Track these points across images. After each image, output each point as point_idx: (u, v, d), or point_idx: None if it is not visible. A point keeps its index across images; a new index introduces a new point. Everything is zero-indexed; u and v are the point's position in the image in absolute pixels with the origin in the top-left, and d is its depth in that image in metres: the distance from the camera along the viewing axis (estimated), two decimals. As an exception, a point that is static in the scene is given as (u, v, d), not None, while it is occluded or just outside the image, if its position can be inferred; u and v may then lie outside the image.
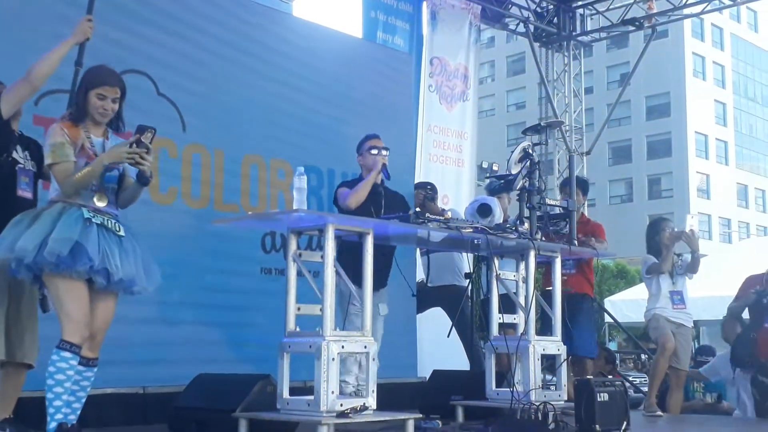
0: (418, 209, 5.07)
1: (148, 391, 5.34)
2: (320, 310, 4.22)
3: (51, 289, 3.60)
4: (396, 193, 5.74)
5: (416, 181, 7.43)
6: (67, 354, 3.50)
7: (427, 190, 6.87)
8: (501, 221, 5.47)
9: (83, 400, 3.71)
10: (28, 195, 4.00)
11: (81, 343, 3.55)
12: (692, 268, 6.48)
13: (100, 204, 3.67)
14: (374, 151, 5.45)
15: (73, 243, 3.49)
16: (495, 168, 5.51)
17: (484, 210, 5.26)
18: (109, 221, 3.67)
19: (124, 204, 3.83)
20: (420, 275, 7.05)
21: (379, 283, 5.48)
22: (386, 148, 5.49)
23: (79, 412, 3.69)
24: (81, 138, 3.68)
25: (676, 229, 6.47)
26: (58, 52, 3.93)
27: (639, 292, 11.56)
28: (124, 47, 5.46)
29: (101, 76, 3.75)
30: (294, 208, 4.23)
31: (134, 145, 3.61)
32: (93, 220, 3.59)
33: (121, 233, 3.69)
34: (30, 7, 5.12)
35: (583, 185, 6.89)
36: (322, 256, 4.29)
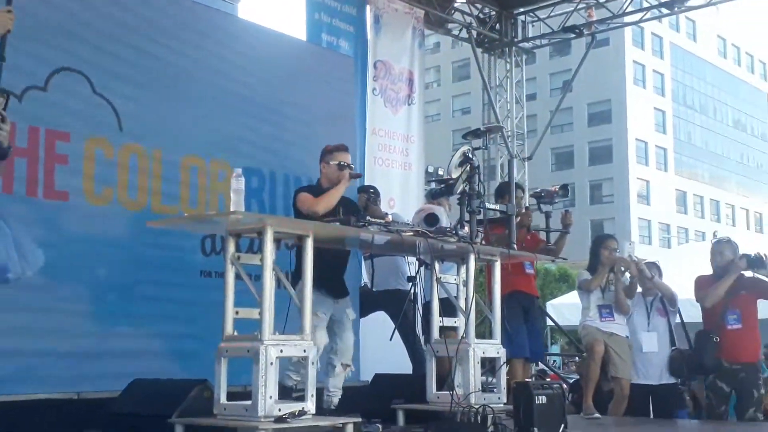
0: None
1: (83, 396, 5.21)
2: (259, 313, 4.16)
3: None
4: (349, 199, 5.66)
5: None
6: None
7: (370, 194, 6.88)
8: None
9: None
10: None
11: None
12: (629, 293, 6.47)
13: None
14: (342, 164, 5.30)
15: None
16: (440, 172, 5.53)
17: (431, 220, 5.29)
18: None
19: None
20: (363, 279, 7.04)
21: (342, 291, 5.43)
22: (351, 166, 5.36)
23: None
24: None
25: (617, 252, 6.46)
26: None
27: (580, 296, 11.67)
28: (58, 46, 5.35)
29: None
30: (232, 209, 4.17)
31: None
32: None
33: None
34: None
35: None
36: (261, 259, 4.24)
